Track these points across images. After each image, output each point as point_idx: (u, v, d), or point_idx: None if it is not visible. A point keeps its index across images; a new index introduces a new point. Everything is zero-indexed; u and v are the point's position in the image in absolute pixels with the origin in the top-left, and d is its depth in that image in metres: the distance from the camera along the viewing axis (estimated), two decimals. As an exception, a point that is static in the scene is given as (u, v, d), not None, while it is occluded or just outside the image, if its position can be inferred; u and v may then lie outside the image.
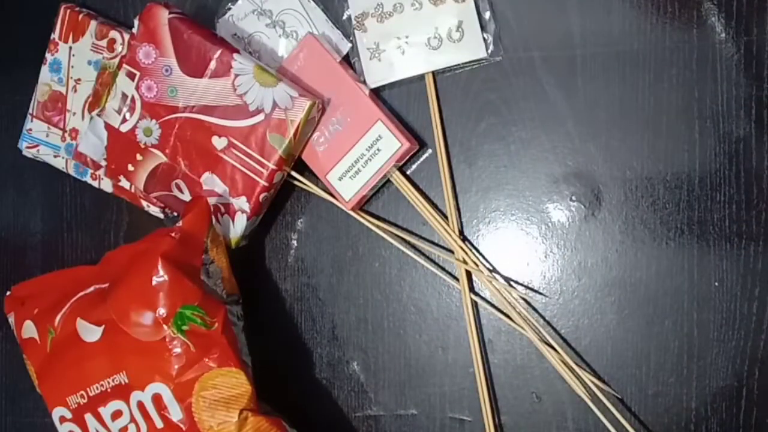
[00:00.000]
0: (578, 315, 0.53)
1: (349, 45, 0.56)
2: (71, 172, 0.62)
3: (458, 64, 0.54)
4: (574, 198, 0.53)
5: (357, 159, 0.54)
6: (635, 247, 0.52)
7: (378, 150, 0.53)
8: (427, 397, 0.56)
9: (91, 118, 0.59)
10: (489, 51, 0.54)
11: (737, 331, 0.51)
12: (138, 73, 0.56)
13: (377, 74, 0.55)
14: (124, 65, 0.56)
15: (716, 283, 0.51)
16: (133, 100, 0.56)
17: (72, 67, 0.61)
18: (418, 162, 0.56)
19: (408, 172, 0.56)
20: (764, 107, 0.50)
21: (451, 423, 0.55)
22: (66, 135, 0.62)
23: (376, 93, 0.56)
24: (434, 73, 0.55)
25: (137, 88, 0.56)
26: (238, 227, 0.55)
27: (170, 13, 0.54)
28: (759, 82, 0.50)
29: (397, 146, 0.53)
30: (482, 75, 0.54)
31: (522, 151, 0.54)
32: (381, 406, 0.57)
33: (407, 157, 0.55)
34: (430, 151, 0.55)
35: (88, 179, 0.62)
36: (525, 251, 0.54)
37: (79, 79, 0.61)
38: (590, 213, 0.53)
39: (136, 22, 0.55)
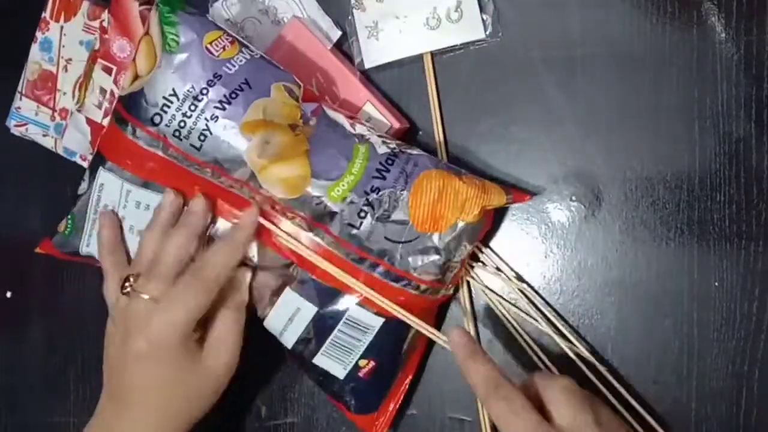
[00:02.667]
0: (578, 315, 0.53)
1: (339, 33, 0.56)
2: (60, 152, 0.62)
3: (456, 45, 0.54)
4: (574, 198, 0.53)
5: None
6: (635, 247, 0.52)
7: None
8: (427, 397, 0.56)
9: (72, 113, 0.58)
10: (487, 32, 0.53)
11: (737, 331, 0.51)
12: (114, 68, 0.55)
13: (375, 53, 0.55)
14: (99, 60, 0.55)
15: (716, 283, 0.51)
16: (112, 94, 0.56)
17: (63, 46, 0.60)
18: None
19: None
20: (764, 107, 0.50)
21: (451, 423, 0.55)
22: (55, 114, 0.61)
23: (369, 76, 0.56)
24: (432, 54, 0.55)
25: (115, 82, 0.55)
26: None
27: (140, 4, 0.53)
28: (759, 82, 0.50)
29: (387, 126, 0.53)
30: (482, 75, 0.54)
31: (522, 151, 0.54)
32: (381, 406, 0.57)
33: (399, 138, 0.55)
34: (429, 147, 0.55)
35: (77, 160, 0.61)
36: (525, 251, 0.54)
37: (70, 59, 0.60)
38: (590, 213, 0.53)
39: (105, 15, 0.54)
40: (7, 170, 0.66)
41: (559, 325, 0.53)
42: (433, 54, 0.55)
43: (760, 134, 0.50)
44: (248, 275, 0.51)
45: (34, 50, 0.61)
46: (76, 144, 0.58)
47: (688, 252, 0.51)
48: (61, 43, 0.60)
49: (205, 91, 0.47)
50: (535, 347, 0.53)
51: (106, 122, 0.56)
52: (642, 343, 0.52)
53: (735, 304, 0.51)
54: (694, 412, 0.51)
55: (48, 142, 0.62)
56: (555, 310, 0.53)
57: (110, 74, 0.55)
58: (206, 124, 0.47)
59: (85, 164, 0.61)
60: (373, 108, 0.53)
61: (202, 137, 0.47)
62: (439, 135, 0.55)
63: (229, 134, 0.47)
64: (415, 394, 0.56)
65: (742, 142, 0.50)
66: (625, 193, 0.52)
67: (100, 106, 0.56)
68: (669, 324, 0.52)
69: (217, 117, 0.47)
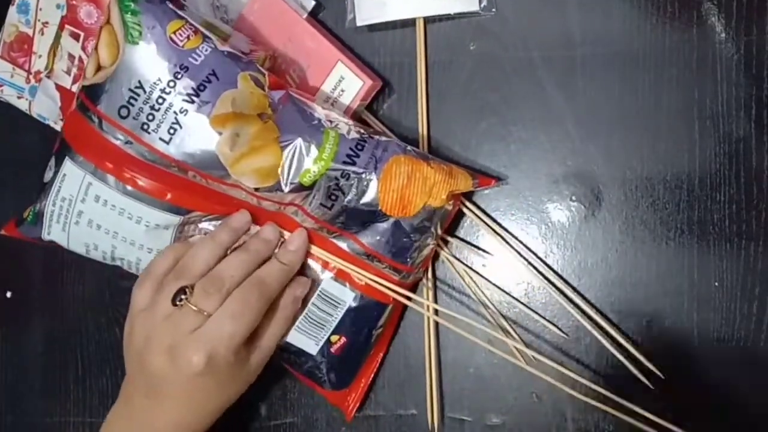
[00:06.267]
0: (577, 317, 0.53)
1: (314, 2, 0.55)
2: (34, 114, 0.62)
3: (450, 14, 0.54)
4: (574, 198, 0.53)
5: (324, 101, 0.54)
6: (635, 247, 0.52)
7: (342, 91, 0.53)
8: (427, 397, 0.56)
9: (41, 79, 0.58)
10: (482, 5, 0.53)
11: (737, 331, 0.51)
12: (82, 34, 0.55)
13: (368, 12, 0.55)
14: (66, 26, 0.55)
15: (716, 283, 0.51)
16: (80, 60, 0.55)
17: (40, 9, 0.60)
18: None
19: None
20: (764, 107, 0.50)
21: (451, 423, 0.55)
22: (31, 77, 0.61)
23: (345, 42, 0.56)
24: (425, 20, 0.55)
25: (83, 48, 0.55)
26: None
27: None
28: (759, 82, 0.50)
29: (359, 84, 0.53)
30: (482, 75, 0.54)
31: (522, 151, 0.54)
32: (381, 406, 0.57)
33: (371, 96, 0.55)
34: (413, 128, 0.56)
35: (50, 123, 0.61)
36: (525, 251, 0.54)
37: (46, 22, 0.60)
38: (590, 213, 0.53)
39: None
40: (6, 171, 0.66)
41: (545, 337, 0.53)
42: (426, 20, 0.54)
43: (760, 134, 0.50)
44: (300, 290, 0.51)
45: (12, 12, 0.61)
46: (46, 110, 0.59)
47: (688, 252, 0.51)
48: (38, 6, 0.60)
49: (172, 84, 0.47)
50: (502, 321, 0.53)
51: (75, 88, 0.56)
52: (642, 343, 0.52)
53: (735, 304, 0.51)
54: (694, 412, 0.51)
55: (23, 105, 0.62)
56: (549, 320, 0.53)
57: (78, 40, 0.55)
58: (176, 118, 0.47)
59: (58, 127, 0.61)
60: (344, 67, 0.53)
61: (171, 131, 0.47)
62: (422, 105, 0.55)
63: (198, 127, 0.47)
64: (414, 394, 0.56)
65: (742, 142, 0.50)
66: (625, 193, 0.52)
67: (68, 72, 0.56)
68: (669, 324, 0.52)
69: (186, 110, 0.47)
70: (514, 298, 0.54)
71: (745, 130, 0.50)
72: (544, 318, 0.53)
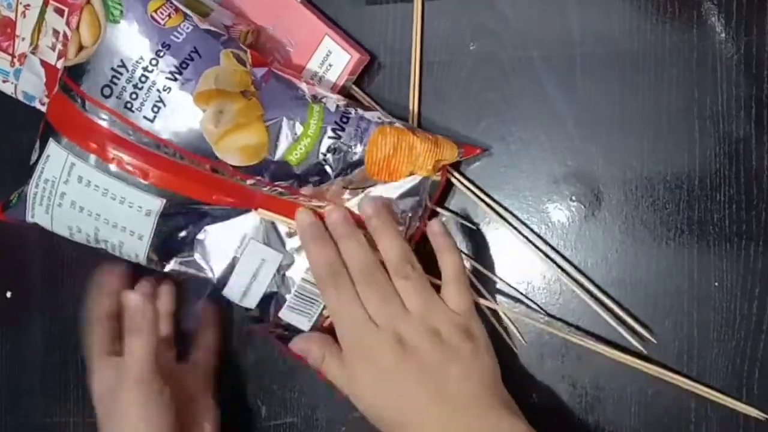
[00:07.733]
0: (578, 315, 0.53)
1: None
2: (20, 97, 0.62)
3: None
4: (574, 198, 0.53)
5: (311, 77, 0.54)
6: (635, 247, 0.52)
7: (330, 65, 0.53)
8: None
9: (27, 55, 0.58)
10: None
11: (737, 331, 0.51)
12: (66, 9, 0.55)
13: None
14: (50, 2, 0.55)
15: (716, 283, 0.51)
16: (65, 36, 0.55)
17: None
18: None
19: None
20: (764, 107, 0.50)
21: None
22: (15, 60, 0.61)
23: (331, 17, 0.56)
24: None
25: (67, 23, 0.55)
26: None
27: None
28: (759, 82, 0.50)
29: (347, 58, 0.53)
30: (482, 74, 0.54)
31: (522, 151, 0.54)
32: (381, 406, 0.57)
33: (359, 71, 0.55)
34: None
35: (36, 104, 0.61)
36: (525, 251, 0.54)
37: (28, 5, 0.59)
38: (590, 213, 0.53)
39: None
40: (4, 169, 0.66)
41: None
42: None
43: (760, 134, 0.50)
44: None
45: None
46: (31, 87, 0.59)
47: (688, 252, 0.51)
48: None
49: (154, 62, 0.47)
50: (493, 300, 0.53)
51: (60, 64, 0.56)
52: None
53: (735, 304, 0.51)
54: (694, 412, 0.51)
55: (8, 88, 0.62)
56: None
57: (62, 16, 0.55)
58: (159, 96, 0.47)
59: (44, 109, 0.61)
60: (331, 41, 0.53)
61: (155, 109, 0.47)
62: (414, 83, 0.55)
63: (182, 105, 0.47)
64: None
65: (742, 142, 0.50)
66: (625, 193, 0.52)
67: (53, 48, 0.56)
68: (669, 324, 0.52)
69: (169, 88, 0.47)
70: (512, 287, 0.54)
71: (745, 130, 0.50)
72: (536, 304, 0.53)
